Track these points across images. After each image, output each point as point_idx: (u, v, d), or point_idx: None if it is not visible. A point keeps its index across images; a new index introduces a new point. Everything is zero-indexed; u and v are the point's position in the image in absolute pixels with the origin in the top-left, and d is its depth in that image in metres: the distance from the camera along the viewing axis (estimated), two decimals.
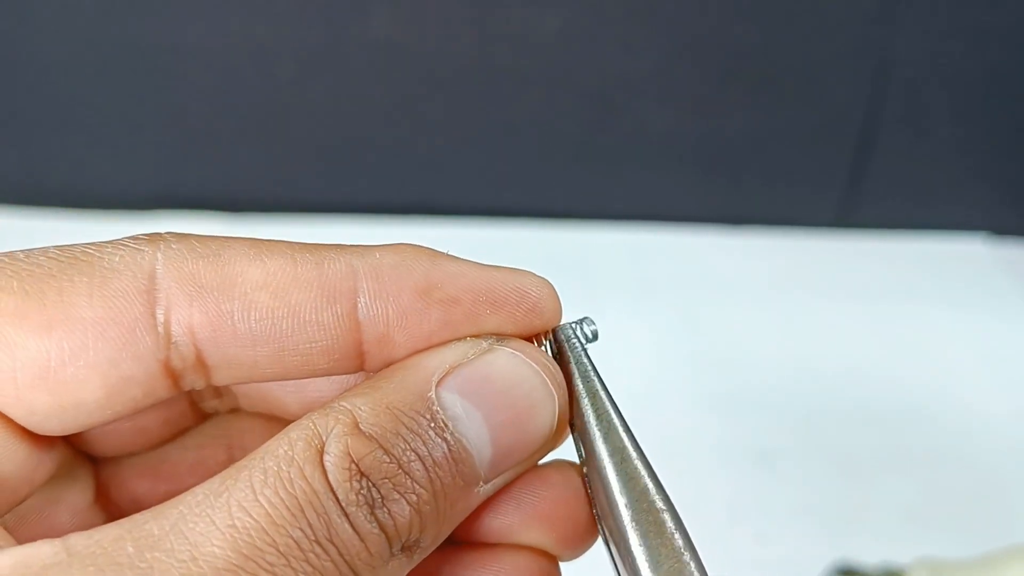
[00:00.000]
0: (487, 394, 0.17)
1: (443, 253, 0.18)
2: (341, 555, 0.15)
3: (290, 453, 0.15)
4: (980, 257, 0.75)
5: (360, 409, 0.16)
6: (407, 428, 0.16)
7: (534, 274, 0.19)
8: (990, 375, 0.63)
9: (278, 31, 0.70)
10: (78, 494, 0.20)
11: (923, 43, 0.69)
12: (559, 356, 0.20)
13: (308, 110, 0.73)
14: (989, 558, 0.44)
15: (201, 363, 0.17)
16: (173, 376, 0.17)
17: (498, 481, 0.17)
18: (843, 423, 0.59)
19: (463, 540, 0.20)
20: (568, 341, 0.20)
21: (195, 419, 0.22)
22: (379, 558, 0.15)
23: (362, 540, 0.15)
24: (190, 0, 0.68)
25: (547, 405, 0.17)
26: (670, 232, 0.76)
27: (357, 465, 0.15)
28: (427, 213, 0.75)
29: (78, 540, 0.14)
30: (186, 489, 0.15)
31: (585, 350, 0.20)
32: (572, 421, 0.20)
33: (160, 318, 0.16)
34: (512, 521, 0.19)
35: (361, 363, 0.18)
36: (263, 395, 0.21)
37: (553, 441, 0.18)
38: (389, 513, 0.15)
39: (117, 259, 0.17)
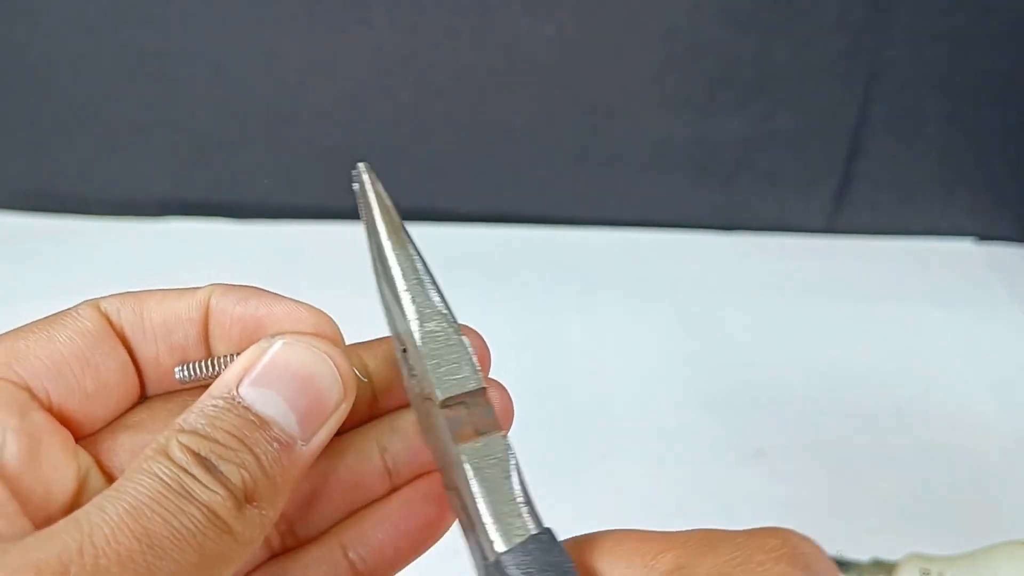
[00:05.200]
0: (275, 377, 0.21)
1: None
2: (205, 504, 0.19)
3: (144, 464, 0.20)
4: (968, 259, 0.76)
5: (183, 420, 0.21)
6: (217, 418, 0.21)
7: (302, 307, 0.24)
8: (978, 374, 0.64)
9: (283, 38, 0.71)
10: None
11: (912, 50, 0.70)
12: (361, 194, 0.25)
13: (312, 116, 0.75)
14: (979, 554, 0.45)
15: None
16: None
17: (321, 436, 0.22)
18: (835, 421, 0.60)
19: None
20: (362, 184, 0.26)
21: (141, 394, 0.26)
22: (229, 507, 0.20)
23: (212, 490, 0.19)
24: (196, 7, 0.70)
25: (325, 368, 0.22)
26: (664, 235, 0.77)
27: (190, 449, 0.20)
28: (427, 218, 0.76)
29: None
30: None
31: (375, 184, 0.26)
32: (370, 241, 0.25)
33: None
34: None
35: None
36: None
37: (350, 393, 0.23)
38: (222, 472, 0.20)
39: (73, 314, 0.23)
